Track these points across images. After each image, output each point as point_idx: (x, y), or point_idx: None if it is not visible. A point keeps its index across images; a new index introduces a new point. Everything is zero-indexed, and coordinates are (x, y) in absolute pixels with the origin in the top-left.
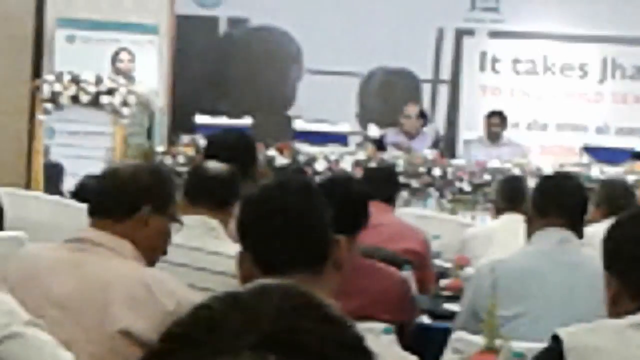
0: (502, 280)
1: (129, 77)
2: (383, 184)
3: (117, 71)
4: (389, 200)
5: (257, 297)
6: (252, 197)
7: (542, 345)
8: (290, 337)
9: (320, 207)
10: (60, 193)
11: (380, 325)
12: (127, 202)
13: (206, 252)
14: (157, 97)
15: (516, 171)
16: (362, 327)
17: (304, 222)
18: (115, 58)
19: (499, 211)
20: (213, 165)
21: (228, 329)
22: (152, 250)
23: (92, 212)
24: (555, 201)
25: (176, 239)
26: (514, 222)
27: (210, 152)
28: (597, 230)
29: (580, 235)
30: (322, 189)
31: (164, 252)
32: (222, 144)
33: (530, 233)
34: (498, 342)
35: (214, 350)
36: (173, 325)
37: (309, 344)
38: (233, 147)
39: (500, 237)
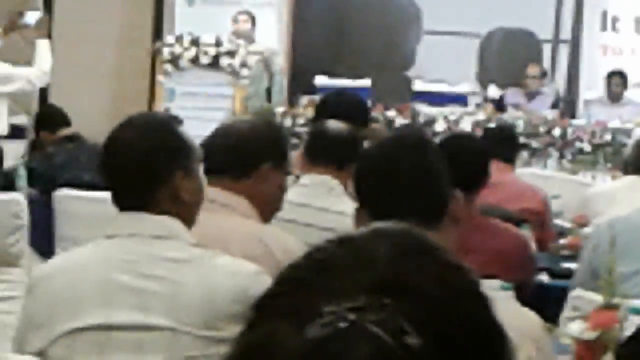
0: (621, 236)
1: (249, 39)
2: (503, 143)
3: (237, 33)
4: (509, 160)
5: (372, 240)
6: (368, 153)
7: None
8: (406, 281)
9: (436, 162)
10: (200, 156)
11: (497, 282)
12: (246, 160)
13: (327, 212)
14: (277, 58)
15: (637, 131)
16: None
17: (420, 177)
18: (235, 20)
19: (627, 172)
20: (334, 125)
21: (342, 271)
22: (270, 206)
23: (208, 171)
24: None
25: (295, 197)
26: (639, 181)
27: (322, 112)
28: None
29: None
30: (443, 145)
31: (280, 208)
32: (335, 104)
33: None
34: (617, 299)
35: (328, 293)
36: (287, 267)
37: (425, 288)
38: (346, 107)
39: (623, 196)
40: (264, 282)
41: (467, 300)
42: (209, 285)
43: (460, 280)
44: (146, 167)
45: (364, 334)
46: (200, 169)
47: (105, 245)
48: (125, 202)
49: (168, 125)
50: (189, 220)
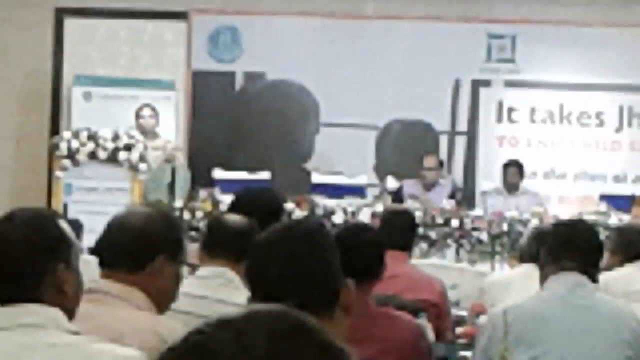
0: (515, 324)
1: (153, 133)
2: (401, 229)
3: (141, 128)
4: (406, 247)
5: (248, 322)
6: (259, 242)
7: None
8: None
9: (327, 252)
10: (79, 250)
11: None
12: (140, 253)
13: (223, 303)
14: (179, 153)
15: (534, 221)
16: None
17: (310, 267)
18: (139, 115)
19: (522, 261)
20: (232, 217)
21: (221, 353)
22: (165, 297)
23: (102, 264)
24: (568, 246)
25: (192, 288)
26: (534, 270)
27: (237, 208)
28: (613, 276)
29: (594, 279)
30: (340, 236)
31: (175, 299)
32: (249, 201)
33: (543, 278)
34: None
35: None
36: (166, 350)
37: None
38: (260, 205)
39: (519, 285)
40: None
41: None
42: None
43: None
44: (29, 260)
45: None
46: (80, 262)
47: None
48: (7, 295)
49: (49, 219)
50: (71, 312)
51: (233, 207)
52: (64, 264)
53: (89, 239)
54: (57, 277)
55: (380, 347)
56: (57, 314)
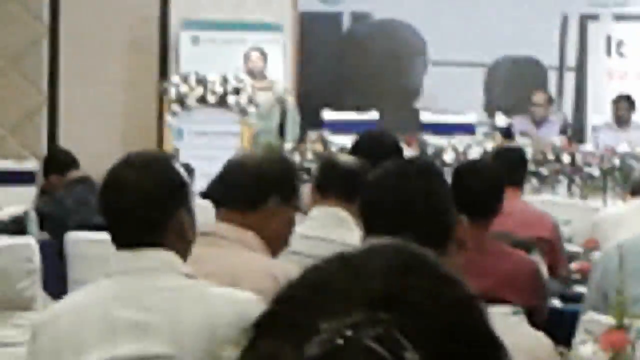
0: (629, 258)
1: (262, 76)
2: (512, 167)
3: (250, 71)
4: (518, 183)
5: (367, 256)
6: (373, 181)
7: None
8: (401, 295)
9: (440, 188)
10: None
11: (509, 308)
12: (254, 194)
13: (336, 243)
14: (289, 94)
15: None
16: (491, 310)
17: (424, 203)
18: (247, 58)
19: (635, 195)
20: (344, 157)
21: (338, 289)
22: (278, 241)
23: (218, 205)
24: None
25: (304, 229)
26: None
27: (357, 151)
28: None
29: None
30: (459, 172)
31: (288, 243)
32: (371, 142)
33: None
34: (627, 320)
35: (324, 311)
36: (285, 287)
37: (420, 302)
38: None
39: (632, 220)
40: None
41: (463, 313)
42: (209, 312)
43: (455, 294)
44: (152, 206)
45: (361, 350)
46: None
47: (105, 284)
48: (128, 240)
49: (167, 163)
50: (185, 254)
51: (353, 150)
52: (184, 209)
53: (200, 183)
54: (179, 222)
55: (496, 282)
56: (173, 258)
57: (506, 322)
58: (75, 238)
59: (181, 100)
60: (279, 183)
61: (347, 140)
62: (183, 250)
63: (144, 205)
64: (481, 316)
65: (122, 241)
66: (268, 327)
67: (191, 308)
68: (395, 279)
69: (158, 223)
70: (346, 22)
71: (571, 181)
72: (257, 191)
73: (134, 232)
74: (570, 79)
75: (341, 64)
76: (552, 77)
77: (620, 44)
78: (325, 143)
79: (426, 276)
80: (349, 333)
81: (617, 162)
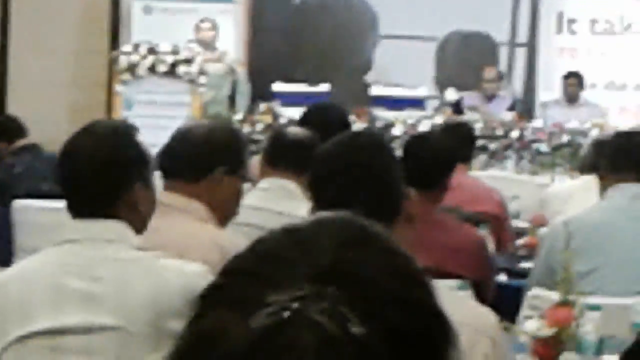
0: (576, 235)
1: (212, 46)
2: (462, 141)
3: (201, 41)
4: (466, 159)
5: (315, 229)
6: (322, 153)
7: (616, 299)
8: (349, 269)
9: (389, 161)
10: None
11: (455, 282)
12: (201, 163)
13: (285, 215)
14: (240, 66)
15: (595, 132)
16: (437, 284)
17: (372, 176)
18: (198, 28)
19: (583, 172)
20: (294, 130)
21: (285, 261)
22: (225, 211)
23: (165, 174)
24: (628, 157)
25: (253, 200)
26: (594, 181)
27: (305, 123)
28: None
29: None
30: (409, 145)
31: (236, 213)
32: (319, 115)
33: (603, 189)
34: (573, 296)
35: (273, 283)
36: (232, 259)
37: (368, 276)
38: (328, 120)
39: (579, 196)
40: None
41: (410, 287)
42: (158, 284)
43: (403, 268)
44: (108, 177)
45: (308, 323)
46: (154, 175)
47: (55, 252)
48: (82, 209)
49: (128, 135)
50: (140, 228)
51: (301, 122)
52: (141, 182)
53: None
54: (133, 196)
55: (443, 255)
56: (125, 230)
57: (452, 296)
58: (22, 205)
59: (132, 70)
60: (226, 153)
61: (297, 113)
62: (137, 223)
63: (98, 176)
64: (428, 291)
65: (76, 210)
66: (214, 299)
67: (139, 280)
68: (343, 252)
69: (111, 195)
70: None
71: (520, 157)
72: (204, 161)
73: (88, 202)
74: (521, 55)
75: (293, 36)
76: (503, 53)
77: (571, 21)
78: (275, 115)
79: (374, 250)
80: (295, 306)
81: (565, 138)
